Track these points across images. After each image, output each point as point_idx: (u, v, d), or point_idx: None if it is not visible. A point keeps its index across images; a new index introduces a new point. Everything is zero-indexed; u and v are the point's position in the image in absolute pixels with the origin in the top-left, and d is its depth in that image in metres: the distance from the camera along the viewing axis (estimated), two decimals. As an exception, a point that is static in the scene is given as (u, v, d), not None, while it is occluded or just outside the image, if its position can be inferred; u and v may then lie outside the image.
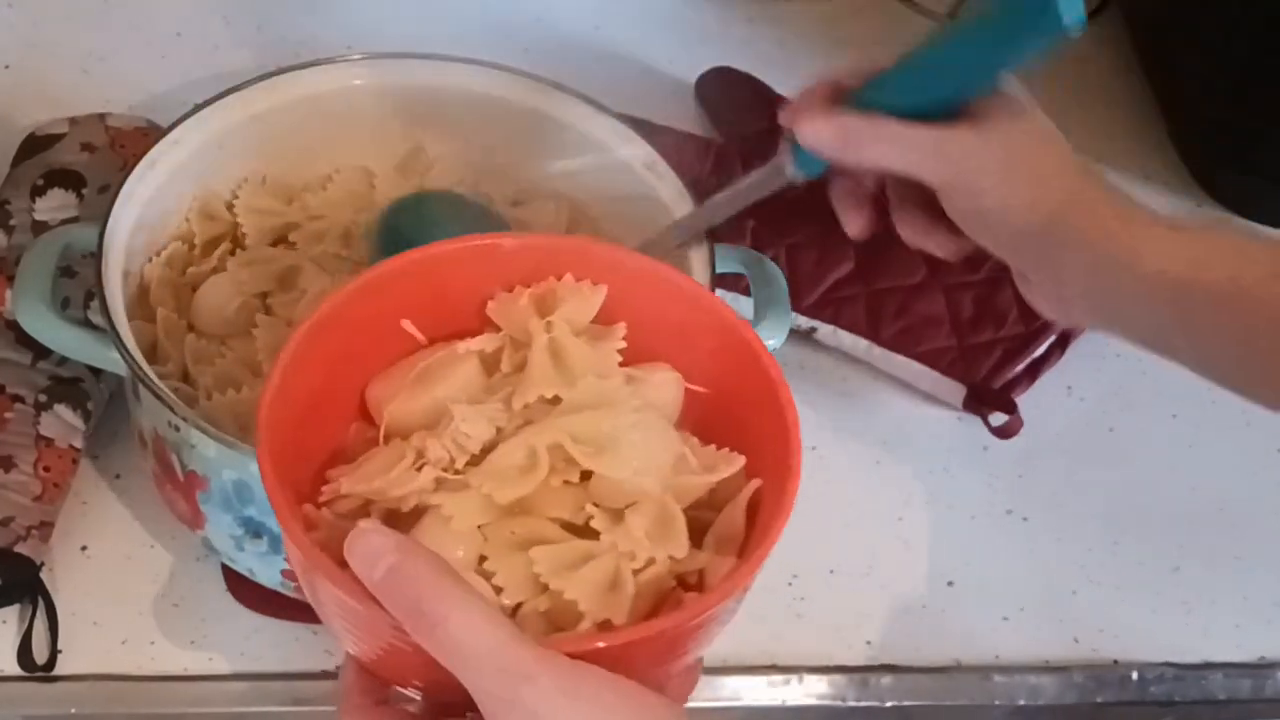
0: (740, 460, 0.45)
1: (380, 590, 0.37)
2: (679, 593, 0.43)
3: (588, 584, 0.41)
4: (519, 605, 0.42)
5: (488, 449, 0.44)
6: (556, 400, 0.45)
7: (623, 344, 0.47)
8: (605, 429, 0.44)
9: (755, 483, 0.45)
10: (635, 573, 0.42)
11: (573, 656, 0.37)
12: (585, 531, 0.43)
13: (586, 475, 0.44)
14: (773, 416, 0.45)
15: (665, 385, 0.47)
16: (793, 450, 0.43)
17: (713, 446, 0.46)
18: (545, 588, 0.41)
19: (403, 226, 0.62)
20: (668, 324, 0.48)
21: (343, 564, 0.39)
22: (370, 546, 0.38)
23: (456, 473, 0.44)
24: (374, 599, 0.38)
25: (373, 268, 0.46)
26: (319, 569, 0.39)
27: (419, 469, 0.43)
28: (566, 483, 0.44)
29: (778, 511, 0.42)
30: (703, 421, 0.48)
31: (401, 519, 0.43)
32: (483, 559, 0.42)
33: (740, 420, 0.46)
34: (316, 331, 0.44)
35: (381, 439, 0.46)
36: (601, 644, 0.38)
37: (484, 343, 0.47)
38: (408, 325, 0.47)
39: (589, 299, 0.47)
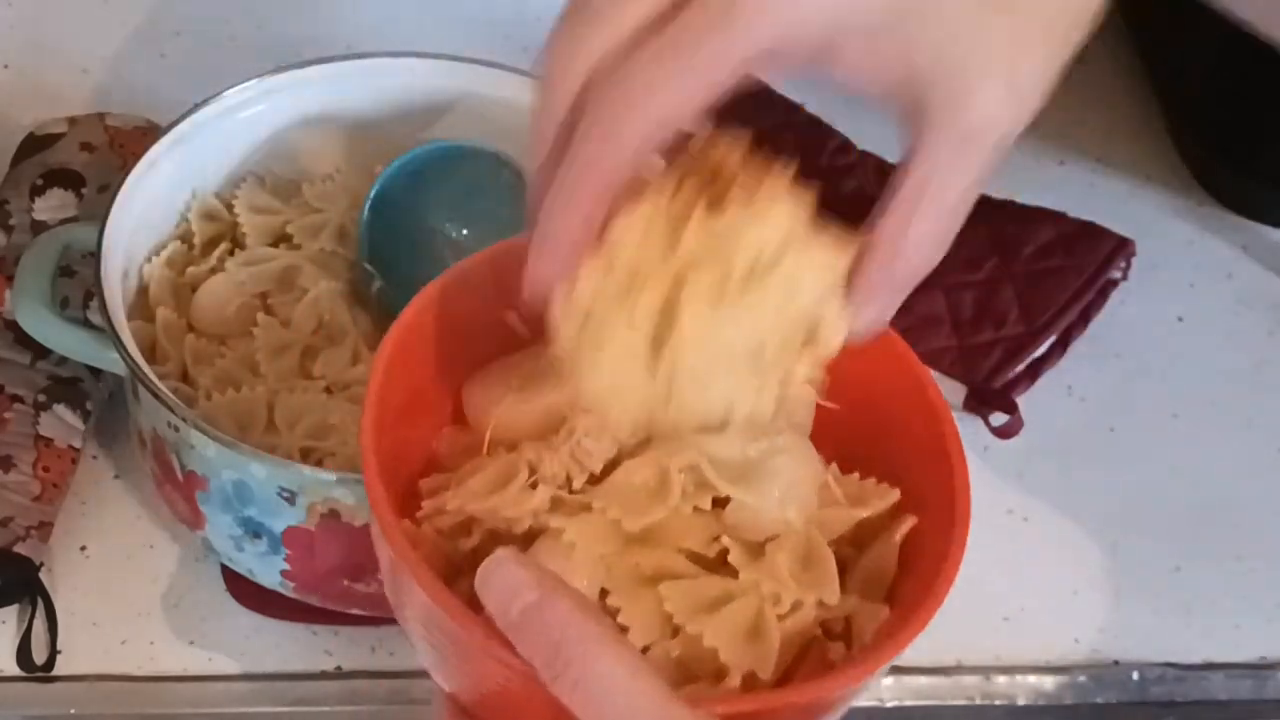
0: (894, 495, 0.41)
1: (515, 629, 0.33)
2: (823, 643, 0.39)
3: (727, 629, 0.37)
4: (646, 648, 0.37)
5: (609, 467, 0.40)
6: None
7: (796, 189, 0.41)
8: (748, 451, 0.39)
9: (910, 520, 0.40)
10: (780, 618, 0.38)
11: (723, 718, 0.34)
12: (718, 566, 0.39)
13: (719, 502, 0.39)
14: (929, 446, 0.40)
15: (798, 401, 0.42)
16: (958, 490, 0.39)
17: (855, 475, 0.42)
18: (677, 630, 0.37)
19: (398, 191, 0.62)
20: None
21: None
22: (508, 580, 0.34)
23: (574, 492, 0.39)
24: (503, 637, 0.34)
25: (471, 256, 0.43)
26: (442, 605, 0.35)
27: (533, 486, 0.39)
28: (697, 509, 0.39)
29: (945, 561, 0.38)
30: (839, 443, 0.42)
31: (509, 542, 0.39)
32: (604, 593, 0.38)
33: (886, 444, 0.42)
34: (413, 328, 0.41)
35: (485, 448, 0.42)
36: (753, 707, 0.35)
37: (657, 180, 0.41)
38: (512, 319, 0.43)
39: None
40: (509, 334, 0.43)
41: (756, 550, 0.39)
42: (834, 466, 0.42)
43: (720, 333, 0.35)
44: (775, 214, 0.37)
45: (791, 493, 0.39)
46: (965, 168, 0.36)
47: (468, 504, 0.39)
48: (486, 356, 0.43)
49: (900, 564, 0.40)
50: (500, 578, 0.34)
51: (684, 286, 0.35)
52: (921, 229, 0.36)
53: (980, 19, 0.35)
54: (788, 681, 0.38)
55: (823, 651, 0.39)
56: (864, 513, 0.40)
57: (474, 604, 0.35)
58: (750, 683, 0.37)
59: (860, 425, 0.42)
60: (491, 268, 0.42)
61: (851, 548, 0.41)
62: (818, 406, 0.42)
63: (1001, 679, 0.63)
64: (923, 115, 0.35)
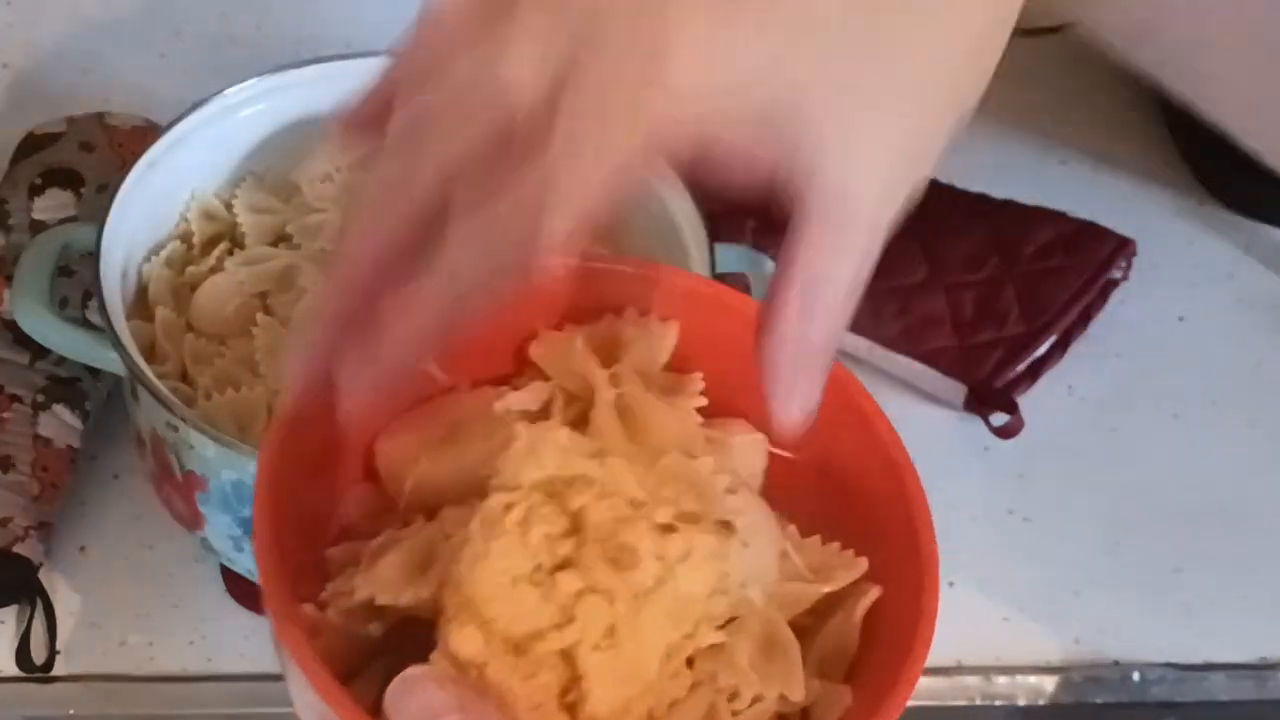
0: (861, 566, 0.38)
1: None
2: None
3: None
4: None
5: None
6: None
7: (702, 400, 0.39)
8: (730, 520, 0.36)
9: (874, 591, 0.37)
10: (734, 714, 0.35)
11: None
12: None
13: None
14: (893, 506, 0.38)
15: (749, 451, 0.39)
16: (925, 559, 0.37)
17: (816, 537, 0.39)
18: None
19: None
20: (747, 368, 0.37)
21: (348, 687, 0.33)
22: (425, 704, 0.31)
23: None
24: None
25: None
26: (341, 715, 0.32)
27: None
28: None
29: (914, 641, 0.35)
30: (795, 499, 0.39)
31: (425, 629, 0.35)
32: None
33: (845, 500, 0.39)
34: (319, 376, 0.36)
35: (401, 514, 0.38)
36: None
37: (528, 399, 0.38)
38: (430, 366, 0.38)
39: (660, 340, 0.39)
40: (428, 382, 0.39)
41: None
42: (793, 529, 0.39)
43: (629, 670, 0.34)
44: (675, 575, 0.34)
45: (751, 568, 0.36)
46: (849, 253, 0.36)
47: (379, 595, 0.35)
48: (408, 404, 0.39)
49: (863, 637, 0.37)
50: (416, 702, 0.31)
51: (577, 648, 0.33)
52: (820, 323, 0.36)
53: (846, 103, 0.35)
54: None
55: None
56: (829, 587, 0.37)
57: (378, 705, 0.33)
58: None
59: (819, 480, 0.40)
60: None
61: (809, 616, 0.38)
62: (771, 458, 0.40)
63: (1001, 679, 0.63)
64: (801, 205, 0.35)
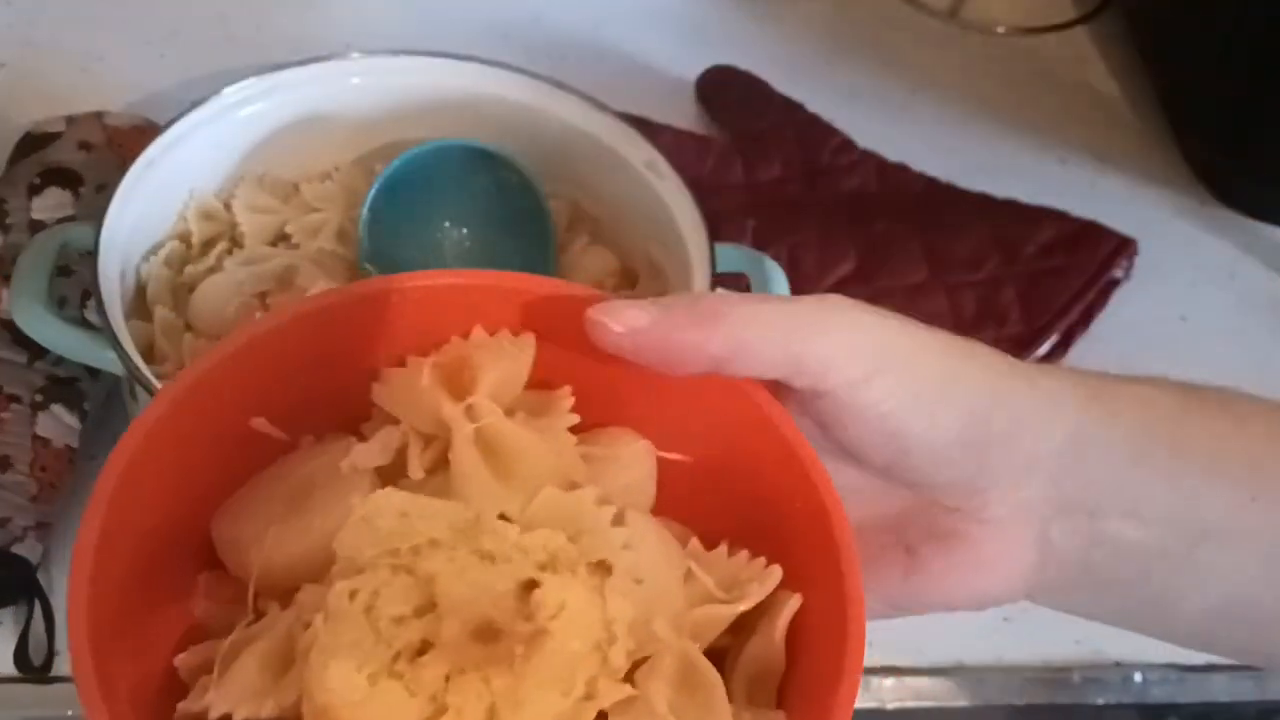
0: (775, 575, 0.34)
1: None
2: None
3: None
4: None
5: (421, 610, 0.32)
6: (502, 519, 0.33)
7: (573, 418, 0.35)
8: (603, 558, 0.32)
9: (794, 600, 0.34)
10: None
11: None
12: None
13: None
14: (806, 509, 0.34)
15: (634, 463, 0.36)
16: (845, 565, 0.33)
17: (722, 547, 0.36)
18: None
19: (398, 191, 0.61)
20: (619, 370, 0.34)
21: None
22: None
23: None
24: None
25: (201, 357, 0.33)
26: None
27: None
28: None
29: (843, 657, 0.32)
30: (694, 502, 0.36)
31: None
32: None
33: (752, 504, 0.36)
34: (145, 451, 0.32)
35: (251, 604, 0.33)
36: None
37: (376, 452, 0.34)
38: (260, 424, 0.35)
39: (517, 358, 0.35)
40: (265, 443, 0.35)
41: (624, 679, 0.32)
42: (695, 543, 0.36)
43: None
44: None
45: (654, 600, 0.33)
46: None
47: (236, 710, 0.31)
48: (240, 476, 0.35)
49: (790, 651, 0.34)
50: None
51: None
52: None
53: None
54: None
55: None
56: (744, 605, 0.34)
57: None
58: None
59: (720, 482, 0.36)
60: (233, 367, 0.34)
61: (728, 636, 0.35)
62: (664, 464, 0.37)
63: (1002, 679, 0.63)
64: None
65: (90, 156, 0.70)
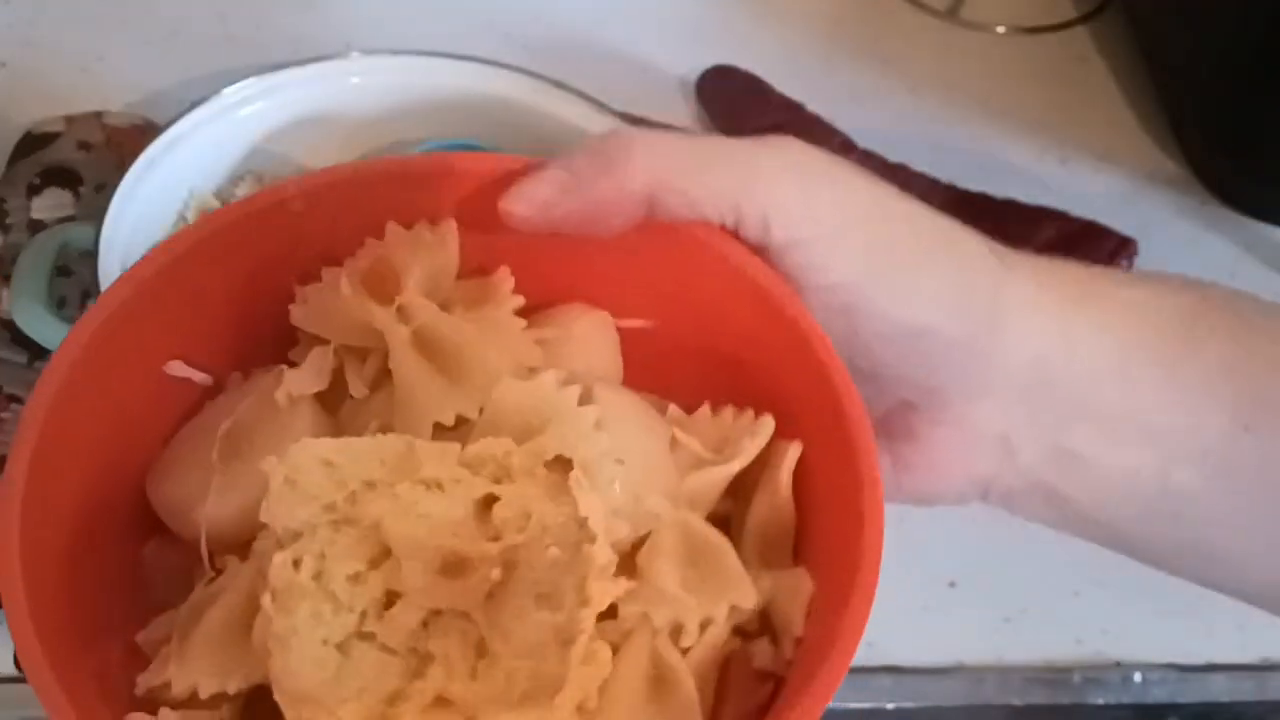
0: (768, 425, 0.32)
1: None
2: (744, 652, 0.30)
3: (625, 699, 0.28)
4: None
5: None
6: (460, 425, 0.30)
7: (518, 300, 0.33)
8: (560, 451, 0.29)
9: (795, 447, 0.31)
10: (685, 651, 0.29)
11: None
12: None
13: None
14: (790, 353, 0.31)
15: (593, 338, 0.33)
16: (844, 401, 0.29)
17: (705, 408, 0.33)
18: None
19: None
20: (561, 239, 0.31)
21: None
22: None
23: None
24: None
25: (105, 294, 0.30)
26: None
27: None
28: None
29: (862, 506, 0.28)
30: (668, 367, 0.33)
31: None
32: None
33: (735, 365, 0.33)
34: (63, 408, 0.29)
35: (207, 562, 0.30)
36: None
37: (310, 377, 0.31)
38: (176, 367, 0.32)
39: (441, 248, 0.32)
40: (189, 389, 0.32)
41: (625, 567, 0.29)
42: (674, 409, 0.33)
43: (522, 681, 0.28)
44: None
45: (642, 476, 0.30)
46: None
47: (201, 684, 0.28)
48: (167, 429, 0.31)
49: (801, 508, 0.31)
50: None
51: (450, 687, 0.28)
52: None
53: None
54: None
55: (746, 664, 0.30)
56: (739, 463, 0.31)
57: None
58: None
59: (696, 341, 0.33)
60: (145, 302, 0.30)
61: (729, 501, 0.32)
62: (627, 334, 0.34)
63: (1001, 680, 0.63)
64: None
65: (90, 156, 0.70)
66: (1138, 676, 0.64)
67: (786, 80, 0.81)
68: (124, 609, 0.30)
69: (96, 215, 0.58)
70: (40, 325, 0.58)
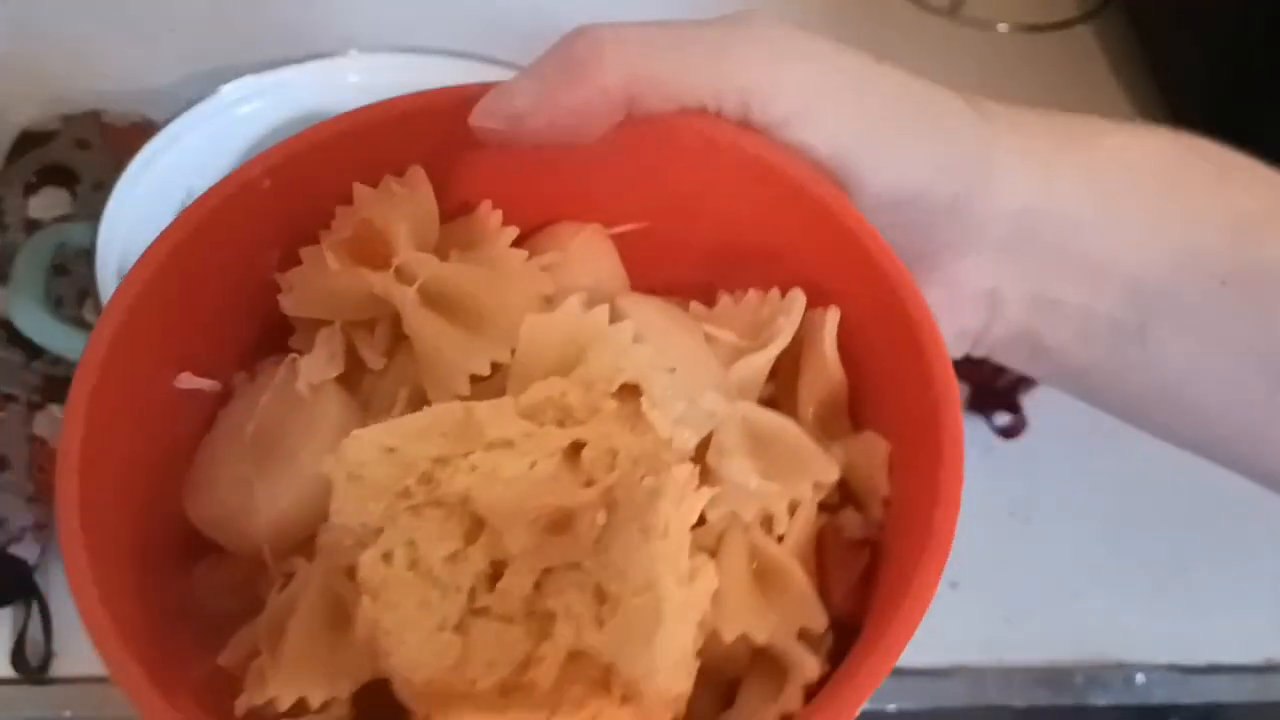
0: (799, 300, 0.31)
1: None
2: (833, 525, 0.30)
3: (735, 598, 0.28)
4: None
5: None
6: (495, 372, 0.29)
7: (510, 231, 0.31)
8: (605, 373, 0.28)
9: (833, 312, 0.30)
10: (780, 539, 0.29)
11: None
12: None
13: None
14: (810, 220, 0.30)
15: (593, 252, 0.32)
16: (882, 260, 0.29)
17: (725, 298, 0.32)
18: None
19: None
20: (530, 160, 0.30)
21: None
22: None
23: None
24: None
25: (103, 314, 0.30)
26: None
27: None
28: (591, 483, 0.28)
29: (919, 352, 0.28)
30: (677, 269, 0.32)
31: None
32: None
33: (738, 246, 0.32)
34: (94, 443, 0.28)
35: (274, 570, 0.29)
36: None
37: (325, 361, 0.30)
38: (186, 380, 0.31)
39: (416, 197, 0.31)
40: (199, 399, 0.30)
41: (699, 473, 0.29)
42: (694, 305, 0.32)
43: (652, 614, 0.27)
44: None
45: (687, 376, 0.29)
46: None
47: (309, 693, 0.27)
48: (185, 443, 0.30)
49: (854, 372, 0.31)
50: None
51: (583, 640, 0.27)
52: None
53: None
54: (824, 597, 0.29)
55: (838, 538, 0.30)
56: (778, 345, 0.30)
57: None
58: (810, 639, 0.29)
59: (693, 237, 0.32)
60: (147, 318, 0.29)
61: (771, 383, 0.31)
62: (621, 239, 0.33)
63: (1002, 680, 0.63)
64: None
65: (87, 155, 0.70)
66: (1140, 677, 0.63)
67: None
68: (193, 636, 0.29)
69: (94, 214, 0.58)
70: (37, 325, 0.57)
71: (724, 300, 0.32)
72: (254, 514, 0.29)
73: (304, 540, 0.29)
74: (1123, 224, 0.35)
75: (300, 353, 0.31)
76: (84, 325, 0.60)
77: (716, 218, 0.32)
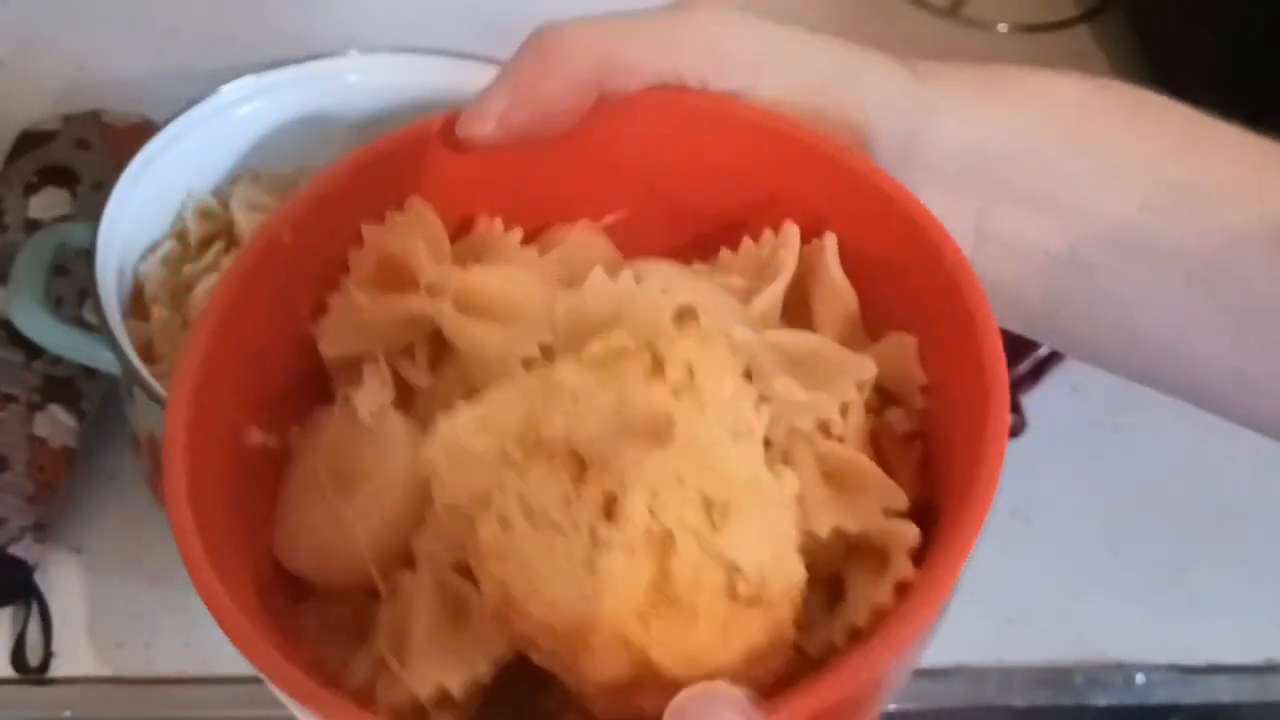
0: (792, 232, 0.33)
1: None
2: (882, 422, 0.32)
3: (825, 510, 0.30)
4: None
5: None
6: (545, 354, 0.31)
7: (516, 232, 0.34)
8: (651, 317, 0.30)
9: (830, 238, 0.33)
10: (840, 440, 0.31)
11: None
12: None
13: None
14: (793, 158, 0.33)
15: (588, 242, 0.35)
16: (883, 183, 0.32)
17: (724, 250, 0.34)
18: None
19: None
20: (526, 160, 0.33)
21: None
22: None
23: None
24: None
25: (175, 379, 0.31)
26: None
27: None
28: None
29: (934, 255, 0.31)
30: (663, 241, 0.35)
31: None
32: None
33: (724, 206, 0.34)
34: (200, 507, 0.30)
35: (383, 590, 0.31)
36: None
37: (379, 388, 0.32)
38: (255, 434, 0.33)
39: (422, 224, 0.34)
40: (262, 455, 0.32)
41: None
42: (696, 265, 0.34)
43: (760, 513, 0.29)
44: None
45: (714, 313, 0.31)
46: None
47: (448, 679, 0.29)
48: (257, 497, 0.32)
49: (865, 288, 0.33)
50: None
51: (717, 546, 0.28)
52: None
53: None
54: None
55: (890, 434, 0.32)
56: (786, 276, 0.32)
57: None
58: (912, 515, 0.30)
59: (683, 201, 0.35)
60: (216, 377, 0.32)
61: (790, 314, 0.33)
62: (618, 228, 0.35)
63: (1003, 680, 0.63)
64: None
65: (87, 155, 0.70)
66: (1140, 677, 0.63)
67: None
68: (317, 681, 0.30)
69: (94, 214, 0.58)
70: (37, 325, 0.57)
71: (724, 253, 0.34)
72: (349, 539, 0.30)
73: (402, 554, 0.31)
74: (1049, 156, 0.37)
75: (351, 390, 0.33)
76: (84, 325, 0.60)
77: (697, 180, 0.35)
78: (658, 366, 0.29)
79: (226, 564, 0.29)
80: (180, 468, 0.30)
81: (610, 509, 0.28)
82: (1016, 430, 0.69)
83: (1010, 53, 0.88)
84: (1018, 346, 0.71)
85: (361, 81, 0.66)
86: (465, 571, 0.29)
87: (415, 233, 0.33)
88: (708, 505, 0.28)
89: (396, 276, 0.32)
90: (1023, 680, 0.63)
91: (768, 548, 0.28)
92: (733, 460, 0.28)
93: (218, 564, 0.29)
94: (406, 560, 0.31)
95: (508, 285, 0.32)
